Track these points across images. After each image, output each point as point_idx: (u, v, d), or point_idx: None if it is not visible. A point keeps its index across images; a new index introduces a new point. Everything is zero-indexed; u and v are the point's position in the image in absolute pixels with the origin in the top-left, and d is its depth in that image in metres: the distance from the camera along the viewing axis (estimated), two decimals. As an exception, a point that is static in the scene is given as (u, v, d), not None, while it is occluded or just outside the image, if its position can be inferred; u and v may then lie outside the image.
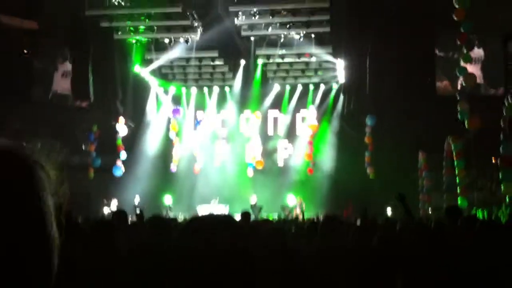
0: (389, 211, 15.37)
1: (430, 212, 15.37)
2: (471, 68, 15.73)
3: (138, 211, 8.23)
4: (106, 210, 16.88)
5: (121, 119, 18.93)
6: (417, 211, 15.35)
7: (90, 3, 17.28)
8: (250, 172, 19.20)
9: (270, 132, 20.56)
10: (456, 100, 14.44)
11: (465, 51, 14.22)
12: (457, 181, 14.45)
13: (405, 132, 16.87)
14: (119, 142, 18.80)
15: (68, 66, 19.10)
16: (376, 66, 17.52)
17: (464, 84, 14.88)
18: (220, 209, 16.40)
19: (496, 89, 17.72)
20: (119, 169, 18.60)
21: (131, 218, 9.51)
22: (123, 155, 18.79)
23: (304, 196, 16.77)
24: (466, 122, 14.00)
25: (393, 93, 17.02)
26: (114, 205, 17.12)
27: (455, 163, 14.81)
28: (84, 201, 15.80)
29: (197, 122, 20.92)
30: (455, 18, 13.41)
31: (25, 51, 18.52)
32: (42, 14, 17.89)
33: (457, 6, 13.22)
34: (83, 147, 18.77)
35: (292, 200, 16.89)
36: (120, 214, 7.31)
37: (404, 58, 16.57)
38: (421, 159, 17.04)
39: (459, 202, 13.89)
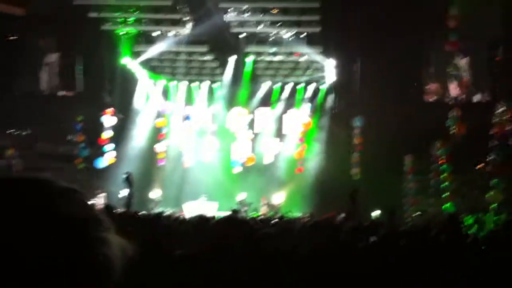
0: (375, 213, 15.31)
1: (413, 216, 15.38)
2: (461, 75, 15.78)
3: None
4: (92, 202, 16.61)
5: (108, 111, 18.72)
6: (403, 214, 15.32)
7: (78, -8, 17.04)
8: (236, 170, 19.11)
9: (259, 129, 20.43)
10: (443, 105, 14.47)
11: (455, 57, 14.28)
12: (444, 185, 14.50)
13: (393, 134, 16.84)
14: (103, 135, 18.58)
15: (54, 56, 18.79)
16: (366, 67, 17.54)
17: (454, 90, 14.95)
18: (208, 207, 16.29)
19: (483, 96, 17.77)
20: (101, 161, 18.37)
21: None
22: (108, 147, 18.57)
23: (291, 195, 16.75)
24: (453, 128, 14.05)
25: (383, 94, 17.01)
26: (102, 198, 16.93)
27: (443, 167, 14.87)
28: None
29: (187, 117, 20.68)
30: (449, 26, 13.43)
31: (10, 37, 18.18)
32: (30, 2, 17.58)
33: (454, 13, 13.23)
34: (70, 138, 18.46)
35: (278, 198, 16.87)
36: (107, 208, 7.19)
37: (394, 60, 16.54)
38: (408, 162, 17.05)
39: (447, 206, 13.94)
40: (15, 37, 18.08)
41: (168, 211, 13.63)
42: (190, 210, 15.59)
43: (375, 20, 16.35)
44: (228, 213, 8.54)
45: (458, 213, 9.41)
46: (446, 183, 14.41)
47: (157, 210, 13.70)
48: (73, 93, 18.38)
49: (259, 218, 10.81)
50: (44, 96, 18.43)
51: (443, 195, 14.35)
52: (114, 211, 7.74)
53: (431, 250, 4.42)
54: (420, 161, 16.22)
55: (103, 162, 18.41)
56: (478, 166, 15.25)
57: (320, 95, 19.99)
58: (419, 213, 14.98)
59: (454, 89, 16.01)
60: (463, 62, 16.26)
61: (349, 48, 18.03)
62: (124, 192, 17.02)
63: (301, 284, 3.47)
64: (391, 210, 5.87)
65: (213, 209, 15.74)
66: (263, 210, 16.29)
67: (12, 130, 16.79)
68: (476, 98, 17.70)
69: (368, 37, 16.72)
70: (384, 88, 16.89)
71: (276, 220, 9.24)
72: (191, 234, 5.48)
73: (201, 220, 6.00)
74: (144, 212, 12.03)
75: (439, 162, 14.91)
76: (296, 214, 14.38)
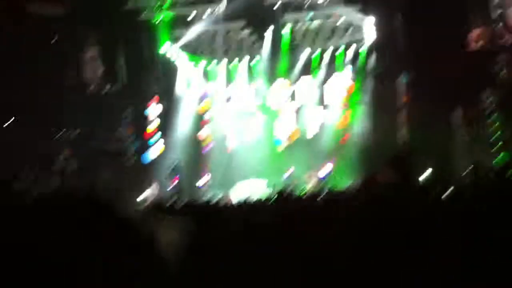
0: (427, 172, 14.99)
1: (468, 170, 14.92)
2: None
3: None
4: (147, 193, 17.11)
5: (153, 100, 19.05)
6: (458, 168, 14.92)
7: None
8: (281, 146, 19.03)
9: (302, 100, 20.17)
10: (491, 51, 13.87)
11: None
12: (496, 135, 14.01)
13: (441, 88, 16.30)
14: (150, 126, 18.95)
15: (95, 50, 19.18)
16: (407, 20, 17.00)
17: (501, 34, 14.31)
18: (258, 185, 16.44)
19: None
20: (150, 153, 18.71)
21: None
22: (156, 137, 18.92)
23: (339, 165, 16.61)
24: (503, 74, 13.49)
25: (426, 47, 16.44)
26: (153, 189, 17.40)
27: (495, 116, 14.36)
28: (129, 186, 16.20)
29: (229, 98, 20.67)
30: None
31: (54, 38, 18.69)
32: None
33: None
34: (119, 132, 18.88)
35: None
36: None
37: (434, 10, 15.93)
38: (458, 115, 16.51)
39: (500, 158, 13.49)
40: (55, 37, 18.55)
41: (217, 197, 13.86)
42: (237, 194, 15.67)
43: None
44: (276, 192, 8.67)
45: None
46: (498, 133, 13.89)
47: (206, 197, 13.98)
48: (117, 86, 18.76)
49: (305, 195, 10.86)
50: (89, 92, 18.89)
51: (496, 146, 13.86)
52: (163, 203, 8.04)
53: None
54: (471, 112, 15.69)
55: (151, 154, 18.73)
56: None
57: (362, 56, 19.50)
58: (472, 167, 14.50)
59: (500, 33, 15.29)
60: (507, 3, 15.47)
61: (388, 2, 17.51)
62: (173, 182, 17.58)
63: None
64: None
65: (262, 187, 15.88)
66: (310, 185, 16.22)
67: (64, 130, 17.39)
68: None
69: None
70: (427, 40, 16.32)
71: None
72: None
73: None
74: (193, 200, 12.28)
75: (490, 112, 14.36)
76: (345, 185, 14.26)
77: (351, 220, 4.05)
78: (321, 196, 8.53)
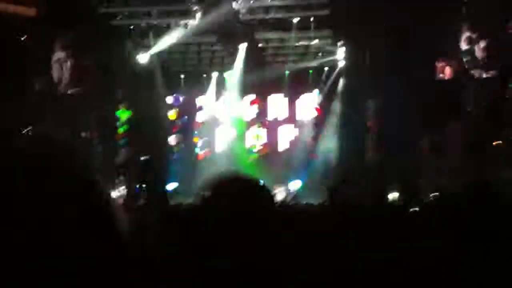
0: (391, 196, 15.22)
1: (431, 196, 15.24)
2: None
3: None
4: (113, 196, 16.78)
5: (122, 106, 18.85)
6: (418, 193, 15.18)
7: (87, -13, 17.12)
8: (250, 158, 19.14)
9: (272, 116, 20.39)
10: (457, 82, 14.30)
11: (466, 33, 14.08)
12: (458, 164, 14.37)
13: (407, 115, 16.66)
14: (120, 130, 18.73)
15: (64, 53, 18.85)
16: (377, 48, 17.38)
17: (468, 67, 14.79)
18: None
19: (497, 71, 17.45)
20: (121, 156, 18.53)
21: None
22: (123, 142, 18.73)
23: (306, 181, 16.75)
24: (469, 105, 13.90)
25: (394, 75, 16.82)
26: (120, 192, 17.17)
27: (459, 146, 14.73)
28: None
29: (198, 108, 20.73)
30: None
31: (22, 39, 18.29)
32: (39, 1, 17.64)
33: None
34: (84, 135, 18.55)
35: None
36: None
37: (404, 40, 16.36)
38: (423, 142, 16.88)
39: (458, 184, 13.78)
40: (25, 37, 18.17)
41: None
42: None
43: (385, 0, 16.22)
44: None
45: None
46: (459, 162, 14.27)
47: (173, 203, 13.80)
48: (85, 89, 18.46)
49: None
50: (57, 94, 18.53)
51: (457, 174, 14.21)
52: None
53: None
54: (436, 141, 16.08)
55: (120, 158, 18.55)
56: (495, 143, 15.09)
57: (331, 79, 19.87)
58: (436, 194, 14.85)
59: (467, 66, 15.80)
60: (475, 37, 16.02)
61: (359, 30, 17.89)
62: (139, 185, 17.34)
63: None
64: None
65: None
66: (278, 198, 16.35)
67: (26, 130, 16.92)
68: (491, 73, 17.44)
69: (377, 18, 16.57)
70: (396, 69, 16.72)
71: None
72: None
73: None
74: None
75: (454, 141, 14.75)
76: (312, 200, 14.37)
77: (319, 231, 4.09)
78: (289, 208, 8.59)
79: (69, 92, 18.56)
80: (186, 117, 20.57)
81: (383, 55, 16.77)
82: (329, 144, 19.08)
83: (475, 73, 15.06)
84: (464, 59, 15.54)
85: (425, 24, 16.90)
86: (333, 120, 19.50)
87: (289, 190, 16.71)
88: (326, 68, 20.03)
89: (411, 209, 5.74)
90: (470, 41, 14.53)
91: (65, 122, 17.44)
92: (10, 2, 17.32)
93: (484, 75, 16.52)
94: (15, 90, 17.03)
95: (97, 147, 18.38)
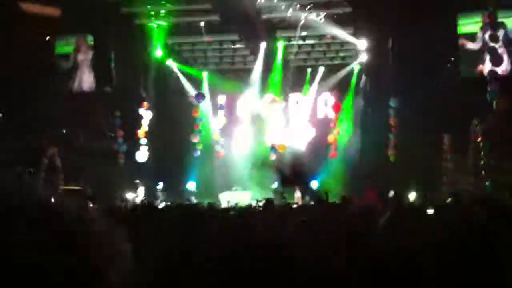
0: (411, 196, 15.12)
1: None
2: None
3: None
4: (130, 196, 17.04)
5: (144, 105, 19.06)
6: (440, 195, 15.03)
7: (110, -12, 17.30)
8: (272, 157, 19.00)
9: (292, 115, 20.30)
10: (480, 82, 14.13)
11: (490, 31, 13.91)
12: (482, 164, 14.21)
13: (430, 114, 16.49)
14: (143, 130, 18.93)
15: (89, 53, 19.08)
16: (399, 46, 17.24)
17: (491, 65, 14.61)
18: (242, 196, 16.42)
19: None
20: (142, 155, 18.73)
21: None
22: (145, 140, 18.93)
23: (325, 181, 16.71)
24: (494, 103, 13.73)
25: (417, 73, 16.66)
26: (140, 191, 17.42)
27: (481, 145, 14.57)
28: (114, 187, 16.18)
29: (219, 107, 20.75)
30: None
31: (47, 39, 18.59)
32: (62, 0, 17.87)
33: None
34: (108, 134, 18.74)
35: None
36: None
37: (427, 38, 16.17)
38: (446, 142, 16.71)
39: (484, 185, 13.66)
40: (49, 37, 18.46)
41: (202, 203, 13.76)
42: (226, 199, 15.73)
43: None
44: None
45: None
46: (483, 161, 14.09)
47: (194, 201, 13.95)
48: (109, 89, 18.67)
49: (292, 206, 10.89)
50: (81, 93, 18.79)
51: (480, 174, 14.06)
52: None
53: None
54: (458, 140, 15.89)
55: (141, 156, 18.73)
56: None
57: (354, 76, 19.71)
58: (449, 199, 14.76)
59: (491, 63, 15.60)
60: (499, 34, 15.80)
61: (381, 28, 17.77)
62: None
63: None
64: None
65: (246, 199, 15.86)
66: (296, 198, 16.33)
67: (51, 129, 17.22)
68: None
69: (400, 15, 16.43)
70: (418, 66, 16.55)
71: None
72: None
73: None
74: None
75: (478, 140, 14.58)
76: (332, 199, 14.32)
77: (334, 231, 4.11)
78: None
79: (94, 91, 18.79)
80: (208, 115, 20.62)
81: (407, 54, 16.59)
82: (349, 142, 18.93)
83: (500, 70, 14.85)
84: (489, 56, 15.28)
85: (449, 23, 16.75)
86: (354, 119, 19.38)
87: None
88: (347, 66, 19.84)
89: (427, 211, 5.69)
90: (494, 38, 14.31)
91: (91, 121, 17.78)
92: (36, 3, 17.60)
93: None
94: (41, 90, 17.38)
95: (122, 146, 18.60)
